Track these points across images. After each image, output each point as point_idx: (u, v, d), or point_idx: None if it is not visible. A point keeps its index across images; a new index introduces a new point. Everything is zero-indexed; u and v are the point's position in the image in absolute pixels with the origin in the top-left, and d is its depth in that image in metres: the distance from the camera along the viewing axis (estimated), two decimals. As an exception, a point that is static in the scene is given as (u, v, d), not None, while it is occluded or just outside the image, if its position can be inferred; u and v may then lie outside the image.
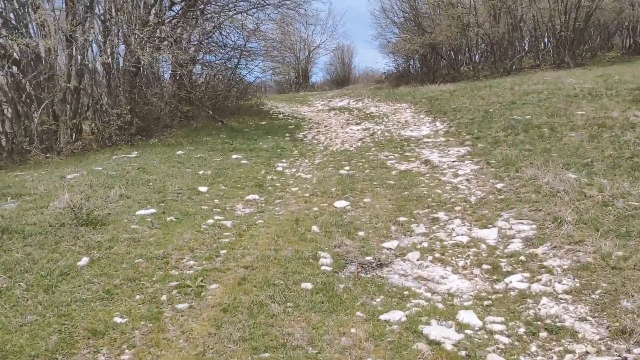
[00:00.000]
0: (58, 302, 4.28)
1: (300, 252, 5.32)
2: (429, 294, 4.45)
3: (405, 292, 4.46)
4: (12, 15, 12.42)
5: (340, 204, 7.11)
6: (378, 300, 4.33)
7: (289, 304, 4.21)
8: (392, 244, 5.58)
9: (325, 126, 15.34)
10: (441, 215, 6.38)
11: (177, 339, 3.77)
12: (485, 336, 3.72)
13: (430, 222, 6.20)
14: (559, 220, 5.46)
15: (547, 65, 21.71)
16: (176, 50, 12.93)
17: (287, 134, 13.94)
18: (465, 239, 5.56)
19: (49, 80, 11.81)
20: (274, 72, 29.67)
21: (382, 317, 4.00)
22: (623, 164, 7.05)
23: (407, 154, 10.07)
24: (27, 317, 4.05)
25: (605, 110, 10.13)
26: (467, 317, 3.95)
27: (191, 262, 5.11)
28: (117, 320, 4.03)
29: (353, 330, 3.81)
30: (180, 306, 4.23)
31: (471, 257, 5.14)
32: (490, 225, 5.86)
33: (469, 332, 3.77)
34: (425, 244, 5.53)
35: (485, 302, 4.22)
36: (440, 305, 4.19)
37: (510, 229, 5.68)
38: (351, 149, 11.22)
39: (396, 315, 4.01)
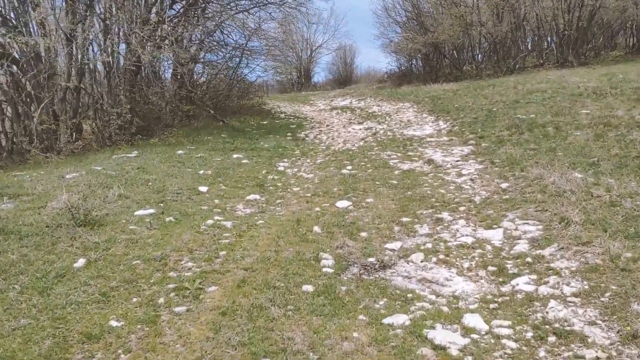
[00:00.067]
0: (53, 305, 4.17)
1: (302, 254, 5.20)
2: (433, 297, 4.33)
3: (409, 295, 4.34)
4: (12, 14, 12.36)
5: (343, 204, 7.00)
6: (381, 303, 4.21)
7: (289, 307, 4.09)
8: (396, 245, 5.47)
9: (327, 125, 15.23)
10: (445, 215, 6.26)
11: (174, 344, 3.66)
12: (492, 341, 3.60)
13: (434, 223, 6.08)
14: (565, 221, 5.34)
15: (551, 64, 21.61)
16: (177, 49, 12.83)
17: (289, 134, 13.83)
18: (470, 240, 5.44)
19: (48, 80, 11.72)
20: (275, 72, 29.61)
21: (386, 320, 3.89)
22: (630, 163, 6.93)
23: (410, 153, 9.95)
24: (20, 320, 3.94)
25: (610, 109, 10.00)
26: (473, 320, 3.83)
27: (190, 264, 5.00)
28: (113, 323, 3.91)
29: (355, 334, 3.70)
30: (177, 309, 4.12)
31: (476, 258, 5.02)
32: (495, 226, 5.74)
33: (475, 336, 3.65)
34: (429, 245, 5.41)
35: (492, 305, 4.10)
36: (445, 309, 4.07)
37: (516, 229, 5.56)
38: (353, 148, 11.11)
39: (400, 318, 3.89)
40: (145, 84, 14.17)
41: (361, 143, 11.59)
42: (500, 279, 4.55)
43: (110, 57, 12.59)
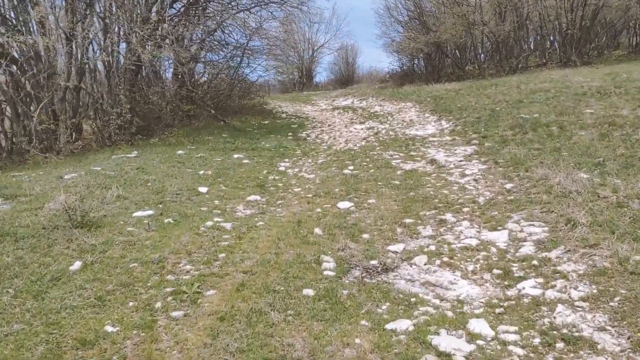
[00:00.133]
0: (47, 310, 4.07)
1: (302, 256, 5.09)
2: (437, 301, 4.21)
3: (413, 299, 4.23)
4: (12, 14, 12.28)
5: (344, 205, 6.89)
6: (384, 307, 4.10)
7: (289, 312, 3.98)
8: (398, 247, 5.36)
9: (329, 125, 15.12)
10: (449, 216, 6.15)
11: (170, 350, 3.55)
12: (498, 347, 3.48)
13: (438, 224, 5.97)
14: (572, 223, 5.22)
15: (554, 63, 21.47)
16: (177, 49, 12.73)
17: (290, 133, 13.72)
18: (474, 242, 5.33)
19: (48, 79, 11.62)
20: (277, 72, 29.47)
21: (388, 326, 3.77)
22: (636, 163, 6.81)
23: (412, 153, 9.84)
24: (13, 326, 3.84)
25: (614, 109, 9.89)
26: (479, 326, 3.72)
27: (188, 267, 4.90)
28: (108, 329, 3.81)
29: (357, 340, 3.59)
30: (175, 314, 4.01)
31: (481, 261, 4.91)
32: (500, 228, 5.62)
33: (480, 342, 3.54)
34: (433, 247, 5.30)
35: (497, 310, 3.99)
36: (450, 313, 3.96)
37: (521, 231, 5.44)
38: (355, 148, 11.00)
39: (403, 324, 3.78)
40: (146, 83, 14.09)
41: (363, 143, 11.48)
42: (506, 283, 4.44)
43: (110, 57, 12.48)
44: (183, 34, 13.71)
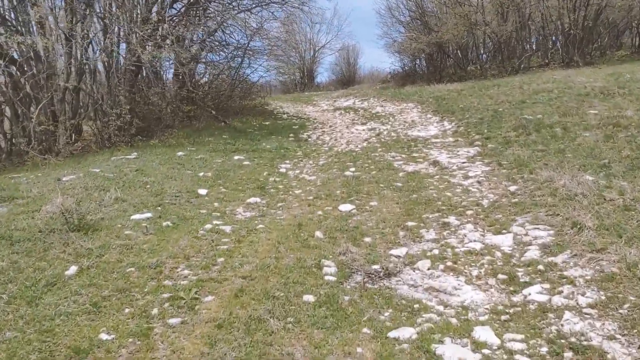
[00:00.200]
0: (41, 316, 3.96)
1: (303, 260, 4.99)
2: (441, 307, 4.10)
3: (416, 305, 4.12)
4: (12, 14, 12.19)
5: (346, 207, 6.78)
6: (386, 314, 3.99)
7: (289, 319, 3.87)
8: (401, 251, 5.25)
9: (330, 126, 15.01)
10: (452, 219, 6.04)
11: (166, 359, 3.45)
12: (505, 357, 3.37)
13: (441, 227, 5.86)
14: (578, 226, 5.11)
15: (556, 64, 21.33)
16: (177, 49, 12.63)
17: (291, 134, 13.61)
18: (478, 246, 5.22)
19: (47, 80, 11.53)
20: (278, 72, 29.36)
21: (391, 334, 3.66)
22: (642, 165, 6.70)
23: (414, 154, 9.73)
24: (5, 333, 3.73)
25: (619, 109, 9.78)
26: (484, 334, 3.61)
27: (186, 272, 4.79)
28: (103, 337, 3.70)
29: (359, 349, 3.48)
30: (172, 321, 3.90)
31: (485, 265, 4.80)
32: (504, 231, 5.52)
33: (486, 351, 3.43)
34: (436, 251, 5.19)
35: (503, 317, 3.87)
36: (454, 320, 3.85)
37: (526, 234, 5.33)
38: (357, 149, 10.89)
39: (406, 332, 3.66)
40: (146, 84, 14.00)
41: (364, 144, 11.37)
42: (511, 288, 4.33)
43: (109, 57, 12.39)
44: (183, 34, 13.61)
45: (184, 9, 15.60)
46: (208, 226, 6.01)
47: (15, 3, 11.88)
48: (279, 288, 4.40)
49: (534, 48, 24.42)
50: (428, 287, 4.48)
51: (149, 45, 12.38)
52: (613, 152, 7.39)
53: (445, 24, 23.66)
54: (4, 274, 4.65)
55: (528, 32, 23.68)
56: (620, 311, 3.73)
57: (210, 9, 16.31)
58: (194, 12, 15.58)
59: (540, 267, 4.57)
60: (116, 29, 12.70)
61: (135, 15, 12.63)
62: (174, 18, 14.62)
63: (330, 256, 5.09)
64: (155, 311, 4.05)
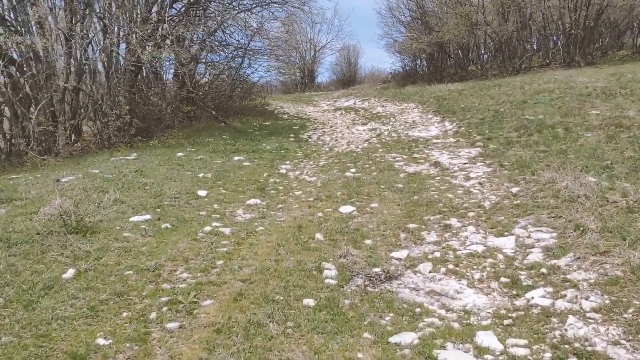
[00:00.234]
0: (38, 321, 3.90)
1: (303, 263, 4.93)
2: (443, 311, 4.05)
3: (417, 309, 4.06)
4: (12, 15, 12.15)
5: (346, 209, 6.72)
6: (387, 319, 3.93)
7: (289, 324, 3.81)
8: (402, 253, 5.19)
9: (331, 126, 14.96)
10: (453, 221, 5.98)
11: (164, 365, 3.40)
12: (508, 362, 3.32)
13: (442, 229, 5.80)
14: (581, 228, 5.06)
15: (557, 64, 21.28)
16: (177, 49, 12.58)
17: (292, 135, 13.55)
18: (480, 249, 5.16)
19: (47, 80, 11.48)
20: (279, 72, 29.36)
21: (392, 339, 3.60)
22: (645, 166, 6.65)
23: (415, 155, 9.67)
24: (2, 338, 3.67)
25: (621, 110, 9.71)
26: (487, 339, 3.55)
27: (185, 275, 4.73)
28: (101, 341, 3.64)
29: (360, 355, 3.42)
30: (170, 325, 3.84)
31: (487, 268, 4.74)
32: (506, 233, 5.46)
33: (489, 357, 3.37)
34: (438, 254, 5.13)
35: (506, 321, 3.81)
36: (456, 325, 3.79)
37: (529, 237, 5.27)
38: (357, 150, 10.84)
39: (408, 337, 3.60)
40: (146, 84, 13.94)
41: (365, 144, 11.31)
42: (514, 292, 4.27)
43: (109, 57, 12.33)
44: (183, 34, 13.56)
45: (184, 8, 15.56)
46: (207, 228, 5.96)
47: (14, 3, 11.83)
48: (279, 292, 4.34)
49: (535, 48, 24.38)
50: (430, 291, 4.43)
51: (148, 46, 12.32)
52: (615, 153, 7.33)
53: (446, 24, 23.62)
54: (0, 277, 4.60)
55: (529, 32, 23.64)
56: (625, 316, 3.67)
57: (210, 8, 16.27)
58: (194, 12, 15.54)
59: (543, 270, 4.52)
60: (116, 29, 12.64)
61: (135, 15, 12.58)
62: (174, 18, 14.57)
63: (331, 259, 5.04)
64: (153, 315, 4.00)
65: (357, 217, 6.43)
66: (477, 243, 5.32)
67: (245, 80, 19.23)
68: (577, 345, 3.42)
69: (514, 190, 6.70)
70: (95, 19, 12.83)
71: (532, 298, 4.11)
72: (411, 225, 5.95)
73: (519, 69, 21.59)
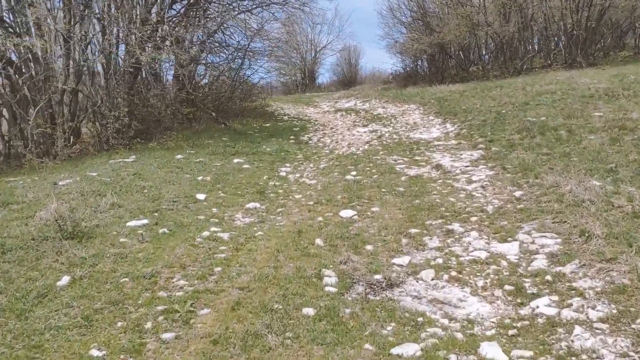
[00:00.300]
0: (30, 331, 3.81)
1: (303, 270, 4.83)
2: (446, 321, 3.94)
3: (420, 319, 3.96)
4: (10, 16, 12.06)
5: (347, 213, 6.62)
6: (389, 328, 3.82)
7: (288, 334, 3.71)
8: (404, 260, 5.09)
9: (331, 128, 14.86)
10: (456, 226, 5.87)
11: (159, 378, 3.30)
12: (513, 375, 3.22)
13: (445, 235, 5.70)
14: (586, 234, 4.95)
15: (559, 65, 21.18)
16: (177, 50, 12.49)
17: (292, 137, 13.45)
18: (483, 255, 5.05)
19: (45, 82, 11.40)
20: (279, 73, 29.31)
21: (394, 350, 3.50)
22: (651, 169, 6.54)
23: (416, 157, 9.57)
24: (-8, 349, 3.59)
25: (624, 112, 9.61)
26: (491, 350, 3.44)
27: (182, 282, 4.63)
28: (94, 353, 3.54)
29: (361, 367, 3.33)
30: (165, 336, 3.74)
31: (491, 275, 4.64)
32: (510, 239, 5.35)
33: (494, 370, 3.28)
34: (440, 260, 5.03)
35: (510, 332, 3.71)
36: (460, 335, 3.68)
37: (533, 242, 5.17)
38: (358, 152, 10.73)
39: (410, 348, 3.50)
40: (145, 86, 13.84)
41: (366, 147, 11.21)
42: (519, 300, 4.17)
43: (108, 59, 12.24)
44: (183, 35, 13.47)
45: (183, 9, 15.47)
46: (206, 233, 5.86)
47: (13, 4, 11.75)
48: (278, 300, 4.24)
49: (537, 49, 24.27)
50: (432, 299, 4.33)
51: (148, 47, 12.22)
52: (620, 156, 7.23)
53: (447, 25, 23.52)
54: (-6, 284, 4.50)
55: (530, 32, 23.53)
56: (633, 326, 3.57)
57: (210, 9, 16.18)
58: (194, 13, 15.45)
59: (548, 277, 4.41)
60: (115, 30, 12.55)
61: (134, 16, 12.50)
62: (174, 19, 14.49)
63: (331, 265, 4.94)
64: (148, 325, 3.90)
65: (357, 221, 6.33)
66: (480, 249, 5.22)
67: (246, 81, 19.13)
68: (584, 357, 3.32)
69: (517, 194, 6.60)
70: (94, 20, 12.73)
71: (537, 307, 4.00)
72: (413, 230, 5.85)
73: (520, 70, 21.50)
